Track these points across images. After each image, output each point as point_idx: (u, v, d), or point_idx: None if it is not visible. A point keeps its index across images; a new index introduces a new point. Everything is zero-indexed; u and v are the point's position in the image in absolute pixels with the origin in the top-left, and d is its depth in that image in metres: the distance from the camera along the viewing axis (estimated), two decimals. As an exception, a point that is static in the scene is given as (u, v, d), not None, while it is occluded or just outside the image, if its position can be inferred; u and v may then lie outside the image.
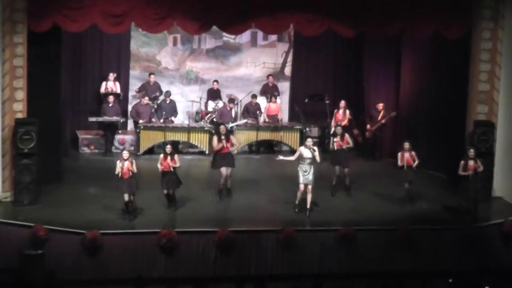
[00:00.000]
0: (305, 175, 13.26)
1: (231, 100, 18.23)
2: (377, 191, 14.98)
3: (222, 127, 14.37)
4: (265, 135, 18.15)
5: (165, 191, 13.38)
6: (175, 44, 19.52)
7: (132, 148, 17.70)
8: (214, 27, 15.12)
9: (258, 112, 18.50)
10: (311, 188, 13.32)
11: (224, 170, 14.12)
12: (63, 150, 16.03)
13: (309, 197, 13.34)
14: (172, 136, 17.57)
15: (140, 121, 17.67)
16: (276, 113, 18.60)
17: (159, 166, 13.25)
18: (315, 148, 13.41)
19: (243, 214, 13.39)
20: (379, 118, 17.72)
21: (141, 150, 17.32)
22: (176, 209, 13.43)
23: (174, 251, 12.22)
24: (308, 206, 13.35)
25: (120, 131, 18.20)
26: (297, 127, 18.34)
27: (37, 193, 13.80)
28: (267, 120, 18.48)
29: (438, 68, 16.57)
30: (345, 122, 17.52)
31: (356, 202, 14.30)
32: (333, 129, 15.02)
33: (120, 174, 12.78)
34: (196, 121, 18.76)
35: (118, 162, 12.98)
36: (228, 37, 19.52)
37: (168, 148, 13.31)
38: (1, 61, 13.62)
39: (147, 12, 14.37)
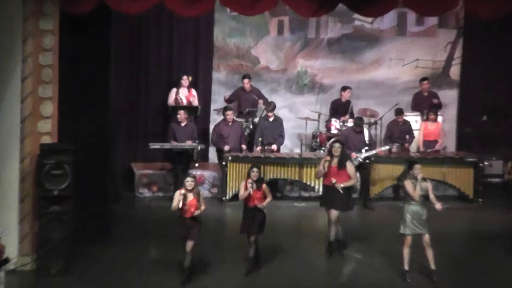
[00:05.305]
0: (416, 221, 12.99)
1: (360, 119, 17.82)
2: None
3: (336, 145, 14.25)
4: (418, 172, 17.89)
5: (250, 238, 13.36)
6: (280, 32, 19.58)
7: (216, 190, 17.57)
8: (341, 6, 14.41)
9: (407, 136, 18.26)
10: (429, 239, 13.09)
11: (333, 213, 14.13)
12: (111, 192, 16.28)
13: (430, 253, 13.14)
14: (275, 173, 17.32)
15: (226, 149, 17.55)
16: (436, 138, 18.32)
17: (241, 190, 13.32)
18: (426, 179, 13.15)
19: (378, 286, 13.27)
20: None
21: (229, 194, 16.84)
22: (259, 270, 13.35)
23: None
24: (432, 267, 13.07)
25: (197, 164, 17.88)
26: (470, 159, 17.79)
27: (71, 257, 13.31)
28: (421, 148, 18.23)
29: None
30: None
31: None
32: None
33: (180, 210, 12.70)
34: (313, 149, 18.67)
35: (177, 192, 12.87)
36: (362, 21, 19.44)
37: (255, 174, 13.14)
38: (20, 57, 13.09)
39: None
